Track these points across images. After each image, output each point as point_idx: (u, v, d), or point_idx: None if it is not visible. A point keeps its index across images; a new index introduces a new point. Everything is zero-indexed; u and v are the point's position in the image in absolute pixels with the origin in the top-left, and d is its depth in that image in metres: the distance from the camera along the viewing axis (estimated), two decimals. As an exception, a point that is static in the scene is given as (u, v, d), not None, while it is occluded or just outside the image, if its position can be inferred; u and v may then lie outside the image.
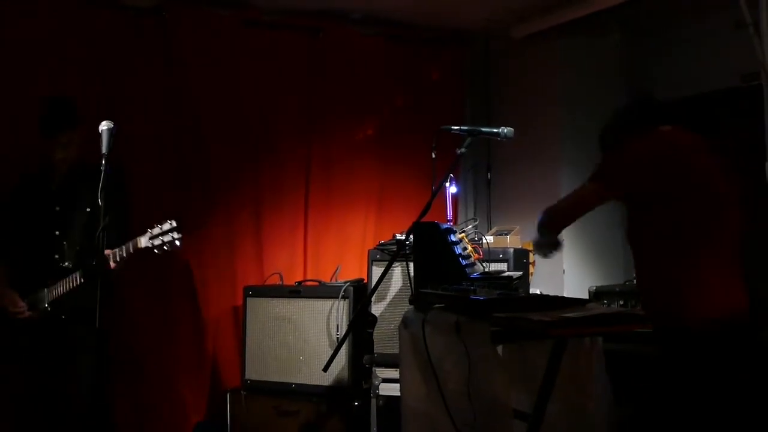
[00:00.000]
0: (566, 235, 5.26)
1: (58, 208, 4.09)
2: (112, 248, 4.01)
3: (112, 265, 3.99)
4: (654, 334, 3.02)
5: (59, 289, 4.01)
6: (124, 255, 4.01)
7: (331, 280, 5.09)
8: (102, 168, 3.47)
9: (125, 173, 4.23)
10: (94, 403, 3.92)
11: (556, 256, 5.24)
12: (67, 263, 4.05)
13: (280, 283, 5.02)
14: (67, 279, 3.99)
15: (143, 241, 4.01)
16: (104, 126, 3.54)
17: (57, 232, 4.07)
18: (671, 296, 2.95)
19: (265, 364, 4.74)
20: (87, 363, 3.90)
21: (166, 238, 4.01)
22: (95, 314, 3.88)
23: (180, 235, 4.05)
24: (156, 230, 4.03)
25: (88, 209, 4.06)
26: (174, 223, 4.03)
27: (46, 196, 4.11)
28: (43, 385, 4.00)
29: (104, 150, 3.50)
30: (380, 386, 4.39)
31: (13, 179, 4.27)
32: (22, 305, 3.98)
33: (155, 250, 4.02)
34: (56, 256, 4.06)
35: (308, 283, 5.01)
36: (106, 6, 4.83)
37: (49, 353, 4.01)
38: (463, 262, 3.58)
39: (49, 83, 4.57)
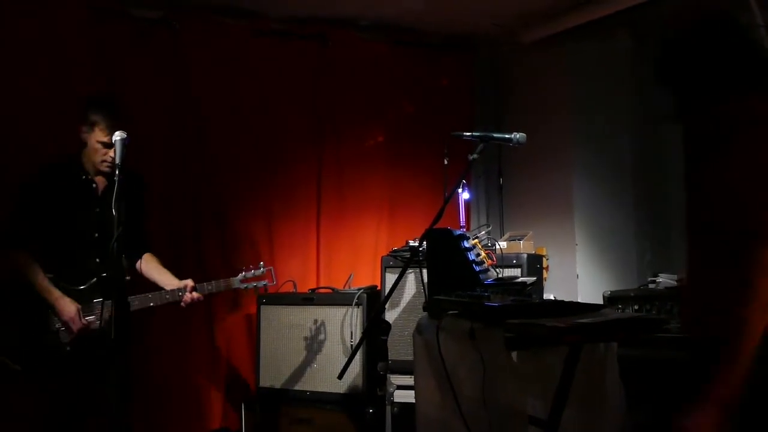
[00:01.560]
0: (580, 239, 5.34)
1: (98, 209, 3.96)
2: (129, 255, 3.94)
3: (196, 296, 4.09)
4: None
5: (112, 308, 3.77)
6: (213, 291, 4.21)
7: (344, 287, 5.09)
8: (116, 178, 3.51)
9: (144, 181, 4.19)
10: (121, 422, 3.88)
11: (570, 261, 5.32)
12: (105, 269, 3.90)
13: (294, 290, 5.03)
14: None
15: (236, 283, 4.30)
16: (117, 136, 3.58)
17: (96, 234, 3.93)
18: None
19: (279, 371, 4.74)
20: (116, 383, 3.84)
21: (259, 284, 4.36)
22: (124, 332, 3.90)
23: (273, 284, 4.47)
24: (250, 274, 4.33)
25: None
26: (266, 270, 4.38)
27: (90, 197, 3.99)
28: (73, 402, 3.88)
29: (117, 160, 3.54)
30: (394, 393, 4.39)
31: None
32: (86, 322, 3.86)
33: (244, 290, 4.40)
34: (97, 260, 3.93)
35: (321, 290, 5.02)
36: (116, 16, 4.86)
37: (82, 370, 3.88)
38: (477, 269, 3.57)
39: (59, 91, 4.61)
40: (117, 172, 3.51)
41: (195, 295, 4.09)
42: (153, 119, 4.95)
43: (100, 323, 3.83)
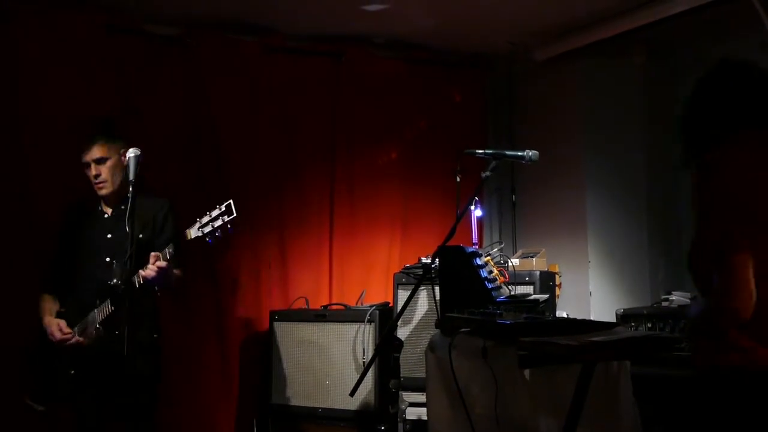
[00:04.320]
0: (592, 257, 5.33)
1: (110, 236, 3.95)
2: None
3: (163, 264, 3.66)
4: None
5: (106, 308, 3.78)
6: (172, 252, 3.71)
7: (356, 304, 5.09)
8: (129, 195, 3.51)
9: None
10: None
11: (582, 278, 5.30)
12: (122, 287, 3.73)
13: (306, 307, 5.03)
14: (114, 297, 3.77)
15: (193, 232, 3.67)
16: (131, 153, 3.59)
17: (108, 258, 3.88)
18: None
19: (291, 388, 4.74)
20: (141, 397, 3.80)
21: (218, 223, 3.61)
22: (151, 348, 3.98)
23: (233, 216, 3.62)
24: (205, 218, 3.66)
25: (140, 236, 3.86)
26: (224, 207, 3.64)
27: (100, 225, 4.00)
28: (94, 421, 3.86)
29: (131, 177, 3.54)
30: (407, 410, 4.37)
31: (43, 198, 4.40)
32: (69, 330, 3.80)
33: (207, 239, 3.63)
34: (110, 282, 3.81)
35: (334, 307, 5.02)
36: (133, 33, 4.89)
37: (100, 387, 3.81)
38: (489, 286, 3.57)
39: (75, 107, 4.63)
40: (131, 189, 3.51)
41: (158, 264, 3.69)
42: (168, 135, 4.97)
43: (96, 332, 3.80)
